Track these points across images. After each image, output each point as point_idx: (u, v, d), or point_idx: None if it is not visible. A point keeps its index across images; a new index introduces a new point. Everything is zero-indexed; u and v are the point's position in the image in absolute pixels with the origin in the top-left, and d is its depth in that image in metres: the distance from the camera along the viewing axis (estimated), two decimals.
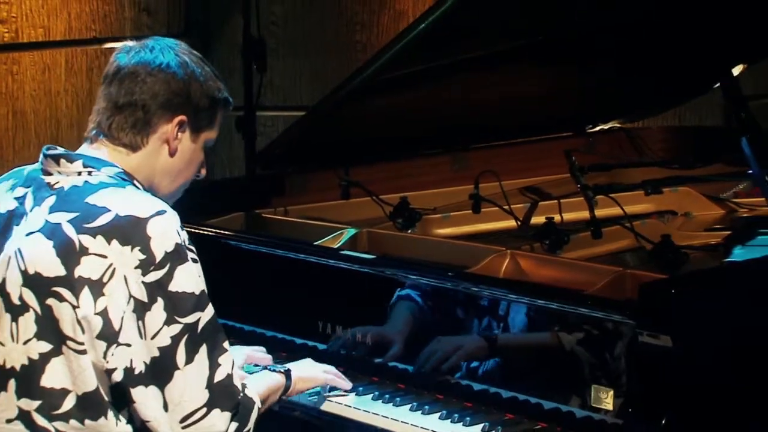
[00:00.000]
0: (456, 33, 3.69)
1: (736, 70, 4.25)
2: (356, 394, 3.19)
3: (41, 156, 2.69)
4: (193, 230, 3.54)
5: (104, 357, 2.53)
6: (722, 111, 5.71)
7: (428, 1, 5.58)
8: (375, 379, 3.27)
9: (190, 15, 5.61)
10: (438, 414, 3.05)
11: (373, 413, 3.10)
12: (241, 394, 2.64)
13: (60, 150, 2.67)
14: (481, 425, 2.98)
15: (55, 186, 2.63)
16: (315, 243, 3.58)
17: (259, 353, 3.25)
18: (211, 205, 3.89)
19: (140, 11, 5.55)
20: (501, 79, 4.15)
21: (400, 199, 3.86)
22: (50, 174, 2.65)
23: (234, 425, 2.61)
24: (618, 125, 4.70)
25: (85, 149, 2.71)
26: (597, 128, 4.66)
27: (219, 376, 2.58)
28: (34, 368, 2.56)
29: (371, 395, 3.18)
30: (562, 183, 4.19)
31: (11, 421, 2.60)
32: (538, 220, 3.81)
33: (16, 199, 2.67)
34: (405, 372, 3.25)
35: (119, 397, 2.57)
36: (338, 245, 3.60)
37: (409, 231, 3.79)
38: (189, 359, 2.55)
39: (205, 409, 2.57)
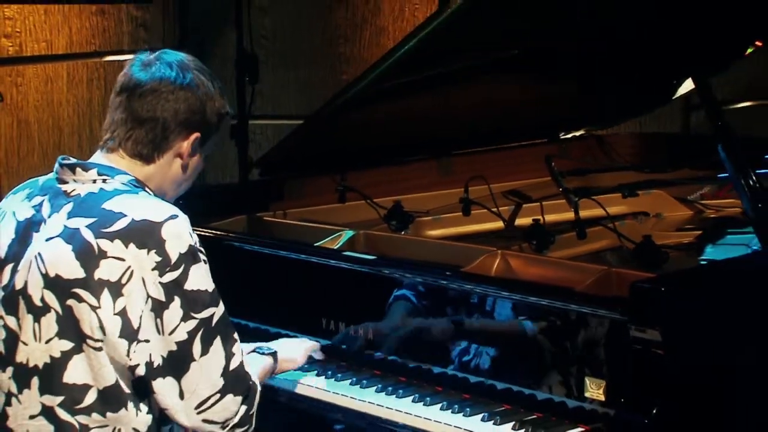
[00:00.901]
0: (441, 48, 3.67)
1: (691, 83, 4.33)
2: (360, 387, 3.16)
3: (57, 165, 2.66)
4: (204, 233, 3.54)
5: (127, 355, 2.52)
6: (681, 118, 5.74)
7: (406, 17, 5.60)
8: (377, 373, 3.23)
9: (184, 29, 5.58)
10: (439, 405, 3.02)
11: (377, 404, 3.06)
12: (252, 379, 2.67)
13: (75, 160, 2.66)
14: (480, 415, 2.94)
15: (72, 193, 2.61)
16: (316, 244, 3.55)
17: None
18: (213, 208, 3.85)
19: (137, 26, 5.52)
20: (481, 90, 4.13)
21: (393, 202, 3.83)
22: (65, 182, 2.64)
23: (244, 408, 2.64)
24: (589, 132, 4.70)
25: (99, 158, 2.69)
26: (570, 135, 4.65)
27: (233, 364, 2.61)
28: (56, 366, 2.54)
29: (374, 387, 3.14)
30: (540, 186, 4.17)
31: (34, 417, 2.57)
32: (521, 221, 3.80)
33: (34, 207, 2.65)
34: (405, 365, 3.22)
35: (139, 390, 2.57)
36: (337, 246, 3.57)
37: (403, 232, 3.76)
38: (204, 351, 2.56)
39: (219, 395, 2.59)
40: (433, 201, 4.07)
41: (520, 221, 3.82)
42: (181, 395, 2.56)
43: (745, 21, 4.10)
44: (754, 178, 3.14)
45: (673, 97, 4.64)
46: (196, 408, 2.58)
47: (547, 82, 4.25)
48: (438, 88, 4.01)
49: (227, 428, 2.63)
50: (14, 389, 2.59)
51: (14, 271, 2.60)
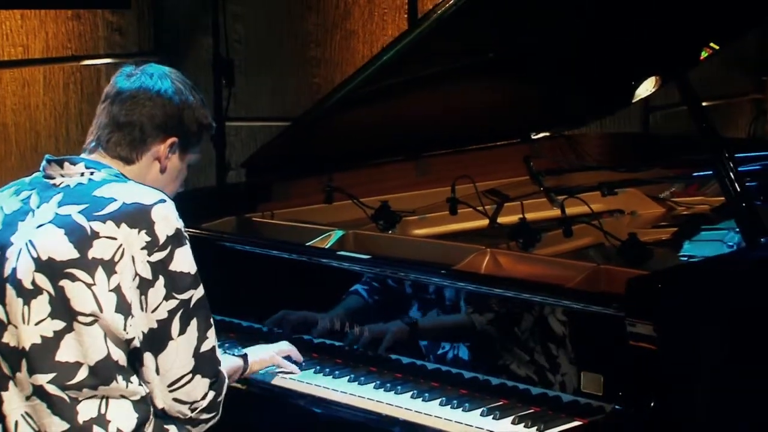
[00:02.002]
0: (420, 54, 3.65)
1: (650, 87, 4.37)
2: (358, 384, 3.12)
3: (44, 163, 2.71)
4: (200, 234, 3.49)
5: (124, 329, 2.56)
6: (640, 119, 5.76)
7: (376, 21, 5.57)
8: (373, 369, 3.19)
9: (159, 35, 5.51)
10: (438, 400, 2.98)
11: (377, 401, 3.03)
12: (221, 366, 2.71)
13: (64, 156, 2.71)
14: (479, 410, 2.91)
15: (60, 185, 2.66)
16: (307, 244, 3.51)
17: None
18: (201, 210, 3.78)
19: (113, 31, 5.44)
20: (455, 93, 4.11)
21: (380, 202, 3.79)
22: (53, 178, 2.68)
23: (212, 393, 2.69)
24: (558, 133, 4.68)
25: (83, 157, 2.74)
26: (540, 135, 4.64)
27: (205, 347, 2.65)
28: (48, 345, 2.56)
29: (372, 384, 3.10)
30: (515, 186, 4.16)
31: (28, 399, 2.59)
32: (503, 220, 3.78)
33: (21, 200, 2.70)
34: (399, 361, 3.18)
35: (130, 362, 2.60)
36: (328, 246, 3.52)
37: (390, 232, 3.72)
38: (182, 331, 2.61)
39: (190, 375, 2.64)
40: (412, 201, 4.03)
41: (502, 220, 3.80)
42: (157, 371, 2.61)
43: (699, 25, 4.12)
44: (738, 178, 3.13)
45: (634, 100, 4.64)
46: (169, 386, 2.63)
47: (516, 84, 4.24)
48: (415, 92, 3.98)
49: (195, 411, 2.68)
50: (9, 372, 2.60)
51: (1, 259, 2.62)
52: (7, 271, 2.61)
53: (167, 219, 2.59)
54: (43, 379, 2.56)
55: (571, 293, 2.91)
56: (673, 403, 2.72)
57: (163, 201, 2.61)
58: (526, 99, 4.37)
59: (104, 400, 2.58)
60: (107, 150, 2.70)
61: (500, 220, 3.81)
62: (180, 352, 2.61)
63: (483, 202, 3.81)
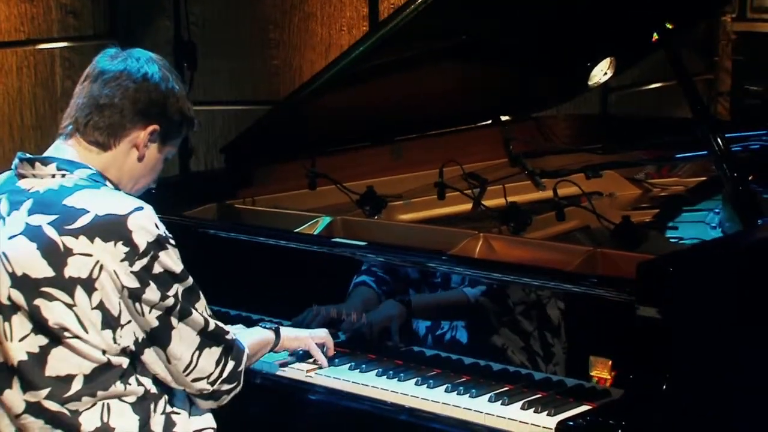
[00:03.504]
0: (399, 37, 3.63)
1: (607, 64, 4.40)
2: (360, 371, 3.10)
3: (16, 161, 2.63)
4: (184, 222, 3.44)
5: (114, 341, 2.51)
6: (598, 100, 5.80)
7: (334, 3, 5.53)
8: (372, 357, 3.17)
9: (114, 17, 5.40)
10: (443, 387, 2.97)
11: (381, 388, 3.01)
12: (229, 335, 2.67)
13: (33, 155, 2.62)
14: (487, 396, 2.91)
15: (30, 190, 2.56)
16: (296, 231, 3.47)
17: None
18: (179, 197, 3.73)
19: (66, 14, 5.32)
20: (430, 76, 4.10)
21: (366, 187, 3.76)
22: (24, 177, 2.59)
23: (231, 363, 2.67)
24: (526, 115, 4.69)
25: (58, 146, 2.64)
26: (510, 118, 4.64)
27: (210, 324, 2.64)
28: (35, 361, 2.49)
29: (374, 372, 3.08)
30: (494, 169, 4.16)
31: (19, 416, 2.52)
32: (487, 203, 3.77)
33: None
34: (397, 348, 3.17)
35: (130, 363, 2.57)
36: (316, 232, 3.49)
37: (376, 217, 3.70)
38: (182, 318, 2.58)
39: (197, 352, 2.63)
40: (391, 186, 3.99)
41: (486, 204, 3.78)
42: (168, 361, 2.59)
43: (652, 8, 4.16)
44: (733, 159, 3.16)
45: (591, 82, 4.65)
46: (184, 371, 2.62)
47: (487, 68, 4.24)
48: (391, 76, 3.96)
49: (215, 383, 2.65)
50: None
51: None
52: None
53: (145, 227, 2.51)
54: (39, 395, 2.49)
55: (581, 278, 2.92)
56: (684, 386, 2.74)
57: (139, 209, 2.53)
58: (495, 82, 4.37)
59: (105, 407, 2.53)
60: (83, 134, 2.60)
61: (485, 204, 3.80)
62: (184, 338, 2.59)
63: (466, 186, 3.79)
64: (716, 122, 3.18)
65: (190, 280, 2.61)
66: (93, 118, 2.59)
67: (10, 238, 2.50)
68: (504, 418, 2.82)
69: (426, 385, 2.99)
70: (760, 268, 2.97)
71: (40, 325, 2.47)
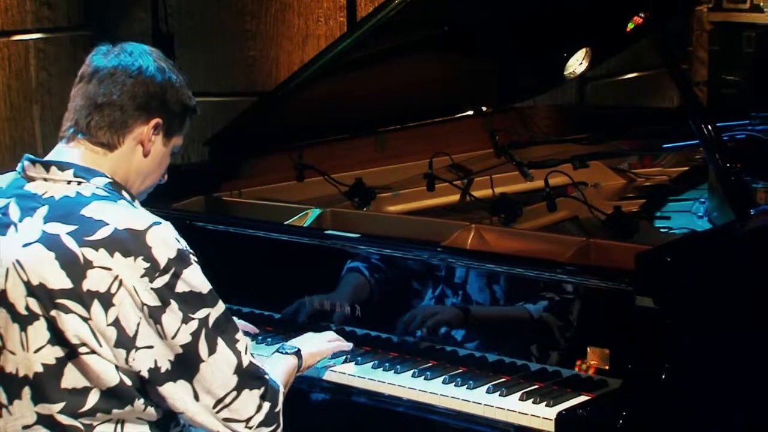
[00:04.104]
0: (383, 28, 3.64)
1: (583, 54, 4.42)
2: (356, 364, 3.09)
3: (24, 162, 2.54)
4: (177, 215, 3.41)
5: (126, 362, 2.42)
6: (575, 90, 5.81)
7: None
8: (367, 349, 3.17)
9: (89, 8, 5.35)
10: (440, 379, 2.98)
11: (379, 380, 3.01)
12: (267, 375, 2.57)
13: (51, 158, 2.54)
14: (485, 387, 2.92)
15: (44, 195, 2.48)
16: (286, 223, 3.46)
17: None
18: (166, 190, 3.70)
19: (41, 5, 5.26)
20: (414, 67, 4.09)
21: (355, 179, 3.76)
22: (33, 180, 2.51)
23: (267, 405, 2.54)
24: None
25: (61, 149, 2.56)
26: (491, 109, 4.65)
27: (243, 361, 2.51)
28: (51, 373, 2.42)
29: (370, 363, 3.08)
30: (478, 160, 4.17)
31: (29, 427, 2.45)
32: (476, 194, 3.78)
33: None
34: (390, 340, 3.17)
35: (144, 386, 2.46)
36: (306, 225, 3.48)
37: (365, 209, 3.69)
38: (212, 350, 2.47)
39: (235, 392, 2.50)
40: (378, 177, 3.99)
41: (475, 194, 3.80)
42: (196, 397, 2.47)
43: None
44: (725, 149, 3.18)
45: (566, 72, 4.66)
46: (215, 407, 2.49)
47: (469, 59, 4.24)
48: (375, 67, 3.96)
49: (252, 428, 2.52)
50: (4, 400, 2.46)
51: None
52: None
53: (165, 242, 2.43)
54: (53, 408, 2.42)
55: (578, 269, 2.93)
56: (683, 375, 2.75)
57: (158, 223, 2.45)
58: (476, 73, 4.37)
59: (120, 423, 2.46)
60: (88, 136, 2.53)
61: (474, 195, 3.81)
62: (216, 372, 2.47)
63: (454, 177, 3.80)
64: (707, 112, 3.17)
65: (221, 305, 2.50)
66: (93, 118, 2.53)
67: (25, 245, 2.42)
68: (503, 409, 2.83)
69: (423, 376, 3.00)
70: (756, 257, 3.00)
71: (57, 335, 2.40)
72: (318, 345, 2.97)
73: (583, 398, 2.84)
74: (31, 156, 2.55)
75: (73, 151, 2.54)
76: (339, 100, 3.97)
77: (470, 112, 4.52)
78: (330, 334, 3.07)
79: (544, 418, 2.77)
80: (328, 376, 3.07)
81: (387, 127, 4.27)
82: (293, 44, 5.53)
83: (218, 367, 2.47)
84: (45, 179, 2.50)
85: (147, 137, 2.56)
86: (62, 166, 2.50)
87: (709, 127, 3.16)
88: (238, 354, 2.50)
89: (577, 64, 4.62)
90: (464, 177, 3.87)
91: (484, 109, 4.56)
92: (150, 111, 2.55)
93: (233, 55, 5.41)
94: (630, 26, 4.60)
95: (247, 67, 5.46)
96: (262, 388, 2.54)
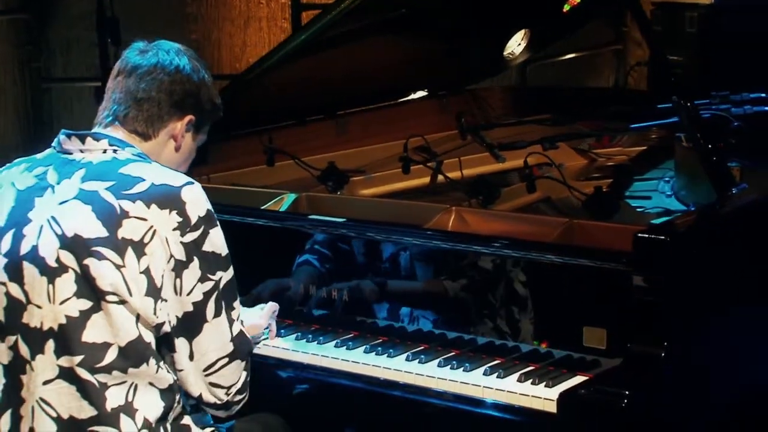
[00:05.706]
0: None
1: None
2: (347, 349, 3.08)
3: (61, 137, 2.64)
4: None
5: (154, 313, 2.50)
6: (518, 72, 5.85)
7: None
8: (356, 334, 3.16)
9: None
10: (435, 362, 2.97)
11: (373, 365, 2.99)
12: (252, 346, 2.72)
13: (85, 131, 2.64)
14: (481, 369, 2.92)
15: (82, 160, 2.58)
16: (262, 207, 3.43)
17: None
18: None
19: None
20: (371, 50, 4.09)
21: (328, 163, 3.73)
22: (70, 153, 2.61)
23: (244, 374, 2.67)
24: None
25: (97, 130, 2.66)
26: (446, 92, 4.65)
27: (236, 329, 2.63)
28: (74, 326, 2.48)
29: (361, 348, 3.07)
30: (441, 141, 4.17)
31: (49, 382, 2.49)
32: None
33: (36, 176, 2.60)
34: (375, 324, 3.16)
35: (159, 348, 2.54)
36: (282, 209, 3.45)
37: (339, 192, 3.67)
38: (217, 313, 2.58)
39: (227, 359, 2.61)
40: (344, 161, 3.95)
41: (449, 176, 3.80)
42: (191, 356, 2.57)
43: None
44: (705, 130, 3.21)
45: (506, 52, 4.68)
46: (205, 371, 2.59)
47: (423, 41, 4.25)
48: (334, 50, 3.95)
49: (231, 394, 2.64)
50: (27, 355, 2.50)
51: (16, 237, 2.53)
52: (25, 249, 2.51)
53: (198, 200, 2.56)
54: (73, 361, 2.47)
55: (574, 250, 2.94)
56: (682, 353, 2.79)
57: (191, 183, 2.58)
58: (432, 55, 4.38)
59: (132, 387, 2.50)
60: (124, 124, 2.65)
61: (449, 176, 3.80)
62: (215, 336, 2.58)
63: (421, 160, 3.79)
64: (688, 92, 3.21)
65: (232, 271, 2.61)
66: (132, 111, 2.65)
67: (62, 203, 2.52)
68: (503, 390, 2.84)
69: (417, 360, 2.99)
70: (747, 234, 3.05)
71: (86, 286, 2.47)
72: (254, 318, 3.02)
73: (581, 378, 2.85)
74: (67, 130, 2.63)
75: (108, 131, 2.64)
76: (300, 85, 3.95)
77: (424, 93, 4.52)
78: (266, 309, 3.08)
79: (546, 398, 2.78)
80: (318, 360, 3.05)
81: (347, 110, 4.26)
82: (235, 26, 5.50)
83: (219, 331, 2.58)
84: (81, 150, 2.59)
85: (180, 132, 2.69)
86: (97, 137, 2.61)
87: (689, 106, 3.19)
88: (234, 322, 2.61)
89: (516, 44, 4.67)
90: (431, 159, 3.85)
91: (439, 92, 4.59)
92: (184, 108, 2.68)
93: (175, 38, 5.32)
94: (566, 8, 4.67)
95: None
96: (248, 359, 2.66)
